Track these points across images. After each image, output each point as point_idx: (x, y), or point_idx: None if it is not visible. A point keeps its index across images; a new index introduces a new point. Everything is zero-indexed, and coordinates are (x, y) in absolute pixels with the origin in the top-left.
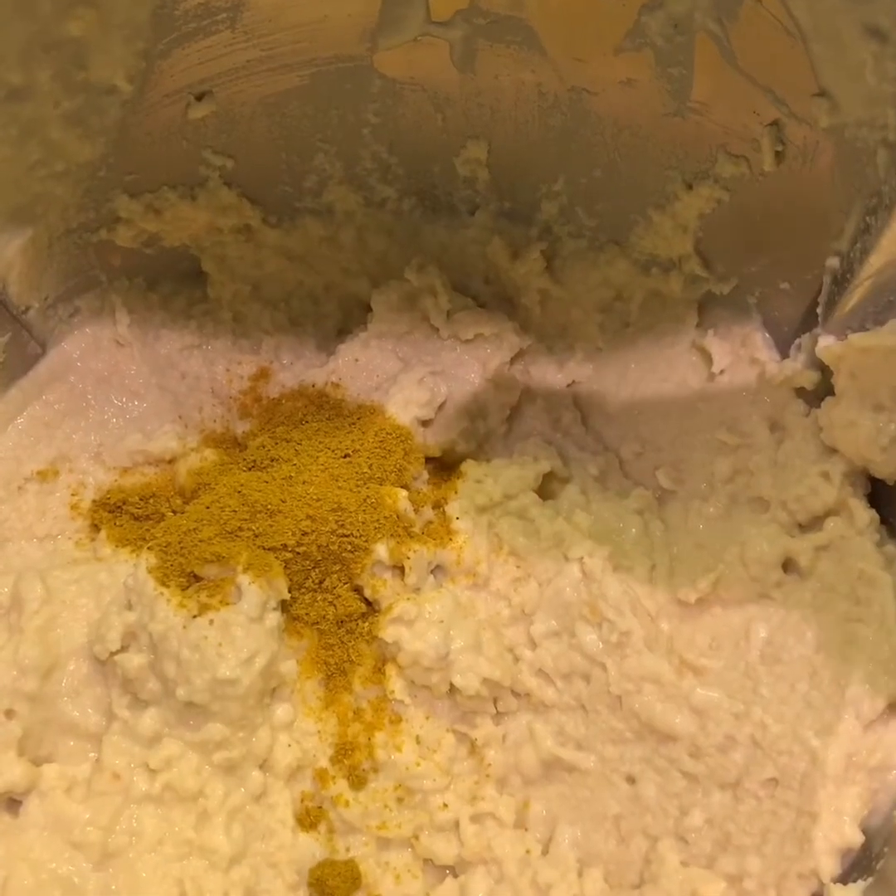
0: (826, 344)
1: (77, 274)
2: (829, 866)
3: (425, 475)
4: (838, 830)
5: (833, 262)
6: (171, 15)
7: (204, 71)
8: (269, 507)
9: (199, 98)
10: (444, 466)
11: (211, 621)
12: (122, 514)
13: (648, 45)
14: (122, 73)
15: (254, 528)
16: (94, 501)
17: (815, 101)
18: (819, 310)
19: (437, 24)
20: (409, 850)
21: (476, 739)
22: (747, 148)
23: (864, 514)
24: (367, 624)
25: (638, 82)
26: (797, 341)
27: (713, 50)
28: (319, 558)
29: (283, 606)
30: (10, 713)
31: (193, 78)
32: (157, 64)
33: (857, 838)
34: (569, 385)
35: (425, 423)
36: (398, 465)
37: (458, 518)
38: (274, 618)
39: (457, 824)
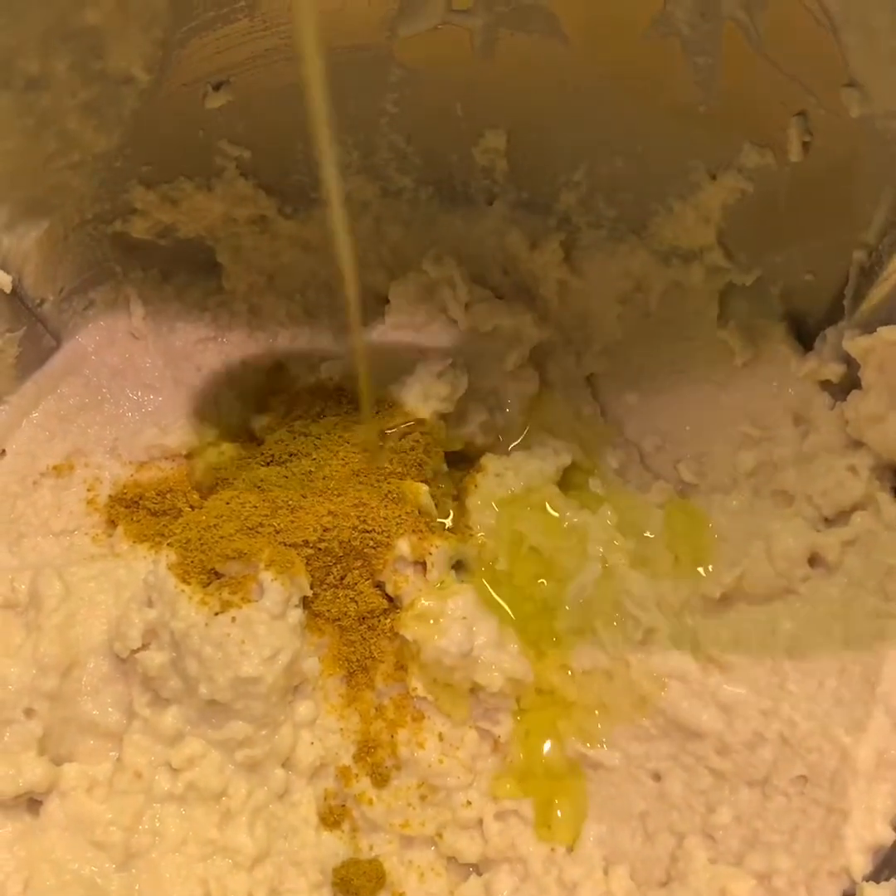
0: (853, 337)
1: (92, 266)
2: (860, 864)
3: (445, 469)
4: (870, 828)
5: (860, 254)
6: (190, 3)
7: (222, 60)
8: (290, 502)
9: (217, 87)
10: (464, 459)
11: (233, 619)
12: (138, 510)
13: (674, 33)
14: (139, 62)
15: (275, 524)
16: (110, 496)
17: (845, 91)
18: (845, 302)
19: (457, 11)
20: (433, 848)
21: (499, 736)
22: (774, 138)
23: (892, 508)
24: (388, 620)
25: (663, 71)
26: (822, 334)
27: (741, 38)
28: (341, 554)
29: (305, 603)
30: (29, 712)
31: (211, 67)
32: (174, 53)
33: (888, 836)
34: (588, 377)
35: (445, 417)
36: (419, 460)
37: (478, 513)
38: (296, 615)
39: (480, 822)
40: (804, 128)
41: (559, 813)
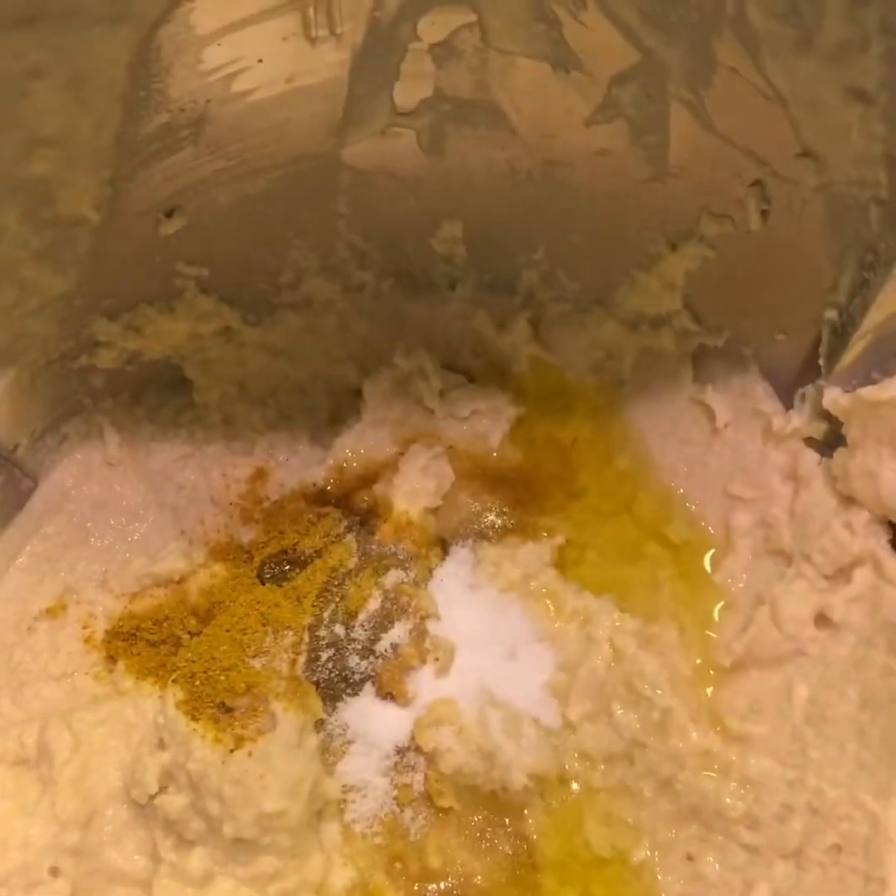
0: (833, 396)
1: (62, 402)
2: None
3: (440, 563)
4: None
5: (832, 314)
6: (134, 139)
7: (171, 188)
8: (291, 624)
9: (169, 215)
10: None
11: (249, 753)
12: (137, 642)
13: (621, 115)
14: (89, 202)
15: (278, 649)
16: (106, 632)
17: (799, 161)
18: (821, 361)
19: (402, 114)
20: None
21: (530, 833)
22: (731, 207)
23: (893, 563)
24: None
25: (612, 151)
26: (800, 392)
27: (688, 116)
28: (348, 668)
29: (317, 724)
30: (55, 871)
31: (161, 195)
32: (123, 188)
33: None
34: (572, 443)
35: (434, 511)
36: (414, 559)
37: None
38: (312, 740)
39: None
40: (761, 196)
41: None
